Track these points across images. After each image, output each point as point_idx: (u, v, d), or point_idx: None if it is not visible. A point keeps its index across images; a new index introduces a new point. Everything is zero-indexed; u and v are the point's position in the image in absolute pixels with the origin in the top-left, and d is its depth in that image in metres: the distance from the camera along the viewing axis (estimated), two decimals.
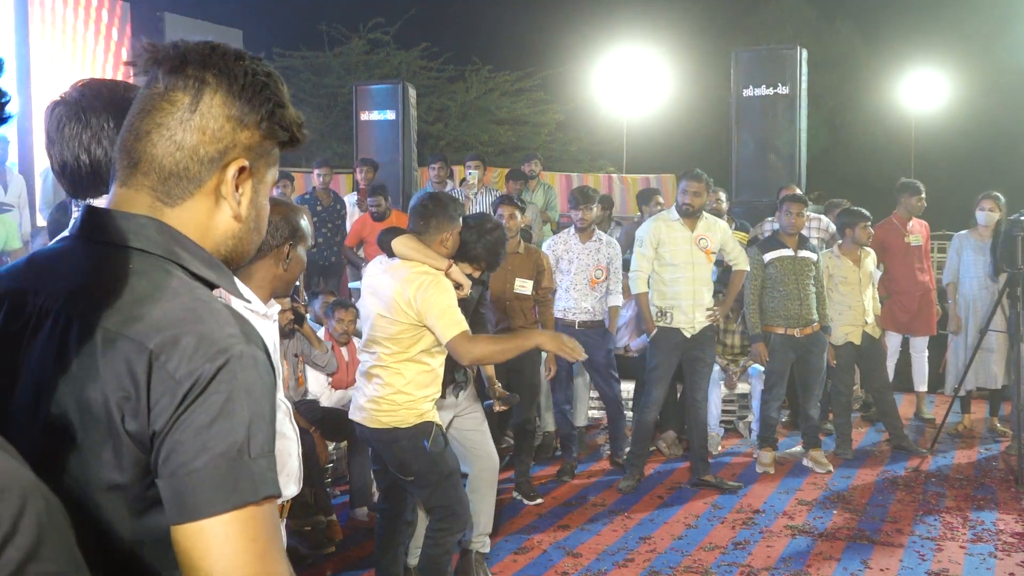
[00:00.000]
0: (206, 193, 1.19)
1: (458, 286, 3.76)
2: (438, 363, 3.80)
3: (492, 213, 5.75)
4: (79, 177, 1.69)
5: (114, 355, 1.06)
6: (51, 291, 1.14)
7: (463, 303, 4.04)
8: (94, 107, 1.68)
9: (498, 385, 4.59)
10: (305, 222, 2.62)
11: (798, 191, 7.49)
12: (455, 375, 4.18)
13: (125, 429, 1.06)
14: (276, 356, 2.55)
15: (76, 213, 1.68)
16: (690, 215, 5.66)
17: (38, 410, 1.10)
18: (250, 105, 1.17)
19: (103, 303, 1.09)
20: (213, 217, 1.20)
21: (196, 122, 1.15)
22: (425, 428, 3.69)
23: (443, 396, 4.00)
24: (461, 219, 3.87)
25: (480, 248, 4.01)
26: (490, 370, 4.64)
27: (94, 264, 1.16)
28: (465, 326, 3.59)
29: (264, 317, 2.48)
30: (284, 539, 2.54)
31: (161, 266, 1.14)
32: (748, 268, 5.95)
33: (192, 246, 1.19)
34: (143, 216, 1.17)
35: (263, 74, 1.19)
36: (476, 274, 4.09)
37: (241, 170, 1.19)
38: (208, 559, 1.03)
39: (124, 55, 9.30)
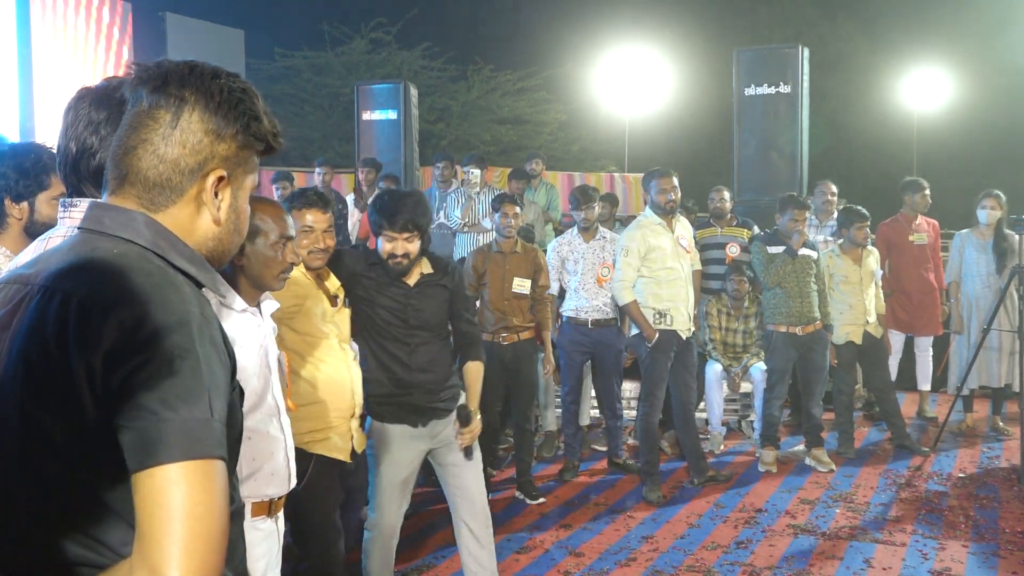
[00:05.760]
0: (187, 201, 1.31)
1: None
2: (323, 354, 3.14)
3: (492, 212, 5.75)
4: (64, 163, 1.70)
5: (82, 320, 1.16)
6: (46, 272, 1.26)
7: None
8: (99, 101, 1.70)
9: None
10: (263, 217, 2.54)
11: (834, 187, 7.58)
12: (405, 393, 3.55)
13: (90, 384, 1.14)
14: (254, 349, 2.46)
15: (60, 213, 1.71)
16: (670, 213, 5.62)
17: (14, 376, 1.21)
18: (226, 120, 1.29)
19: (82, 279, 1.20)
20: (195, 222, 1.32)
21: (177, 137, 1.28)
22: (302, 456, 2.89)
23: (413, 425, 3.57)
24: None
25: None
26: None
27: (85, 248, 1.27)
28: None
29: (242, 312, 2.44)
30: (282, 537, 2.54)
31: (142, 254, 1.25)
32: (701, 268, 6.31)
33: (177, 242, 1.30)
34: (135, 211, 1.29)
35: (239, 90, 1.31)
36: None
37: (220, 179, 1.31)
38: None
39: (125, 55, 9.32)
